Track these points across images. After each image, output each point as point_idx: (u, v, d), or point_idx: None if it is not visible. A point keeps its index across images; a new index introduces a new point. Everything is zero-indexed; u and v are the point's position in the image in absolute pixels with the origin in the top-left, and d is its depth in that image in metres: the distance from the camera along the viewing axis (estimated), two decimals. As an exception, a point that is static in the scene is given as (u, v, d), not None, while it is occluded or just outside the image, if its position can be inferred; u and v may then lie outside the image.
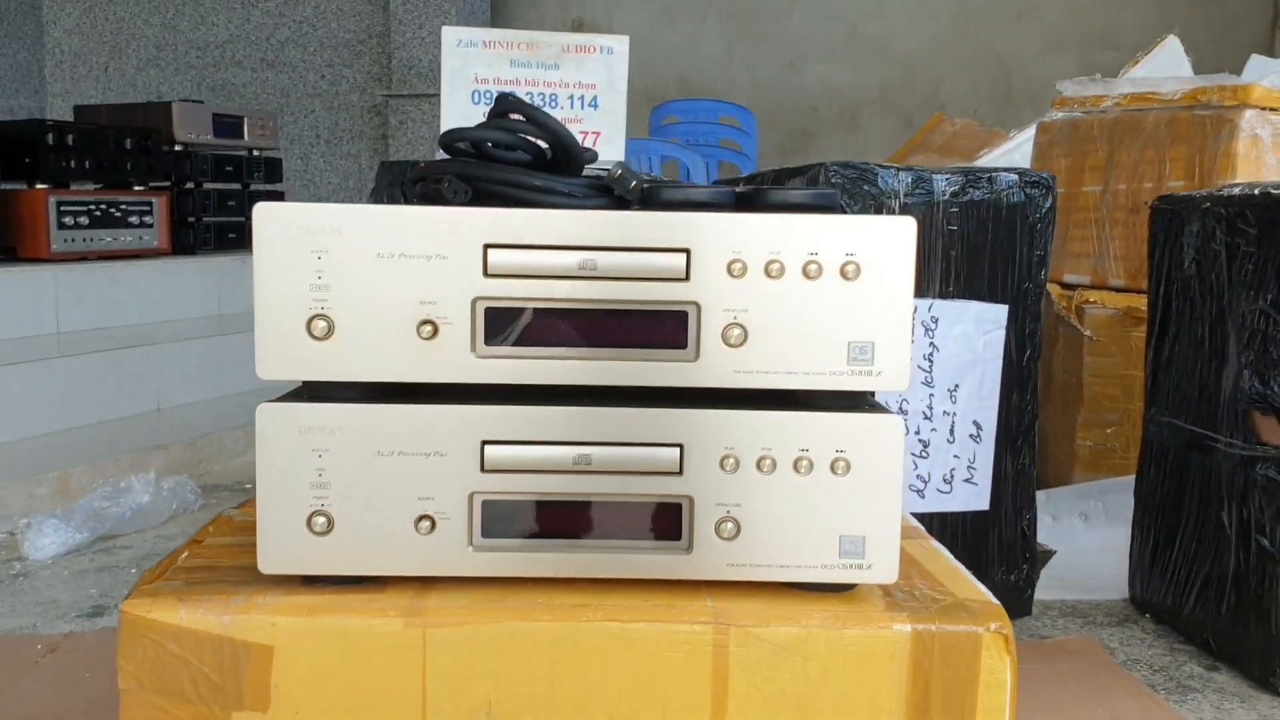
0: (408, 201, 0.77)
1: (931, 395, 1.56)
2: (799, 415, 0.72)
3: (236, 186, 3.69)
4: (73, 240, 3.02)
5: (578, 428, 0.72)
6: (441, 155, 0.81)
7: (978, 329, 1.55)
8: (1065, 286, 2.35)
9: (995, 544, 1.62)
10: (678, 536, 0.73)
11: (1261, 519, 1.44)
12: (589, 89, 1.70)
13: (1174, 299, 1.62)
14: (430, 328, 0.70)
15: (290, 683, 0.71)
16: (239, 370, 3.06)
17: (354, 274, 0.70)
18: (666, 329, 0.71)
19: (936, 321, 1.54)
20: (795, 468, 0.72)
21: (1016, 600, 1.67)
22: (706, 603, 0.73)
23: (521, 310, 0.71)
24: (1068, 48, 4.76)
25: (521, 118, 0.74)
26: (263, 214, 0.69)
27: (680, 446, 0.72)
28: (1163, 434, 1.65)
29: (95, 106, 3.76)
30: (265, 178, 3.81)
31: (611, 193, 0.74)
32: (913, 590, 0.76)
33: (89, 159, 3.11)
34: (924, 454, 1.57)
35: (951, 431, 1.57)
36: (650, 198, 0.74)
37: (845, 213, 0.71)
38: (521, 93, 1.67)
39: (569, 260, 0.70)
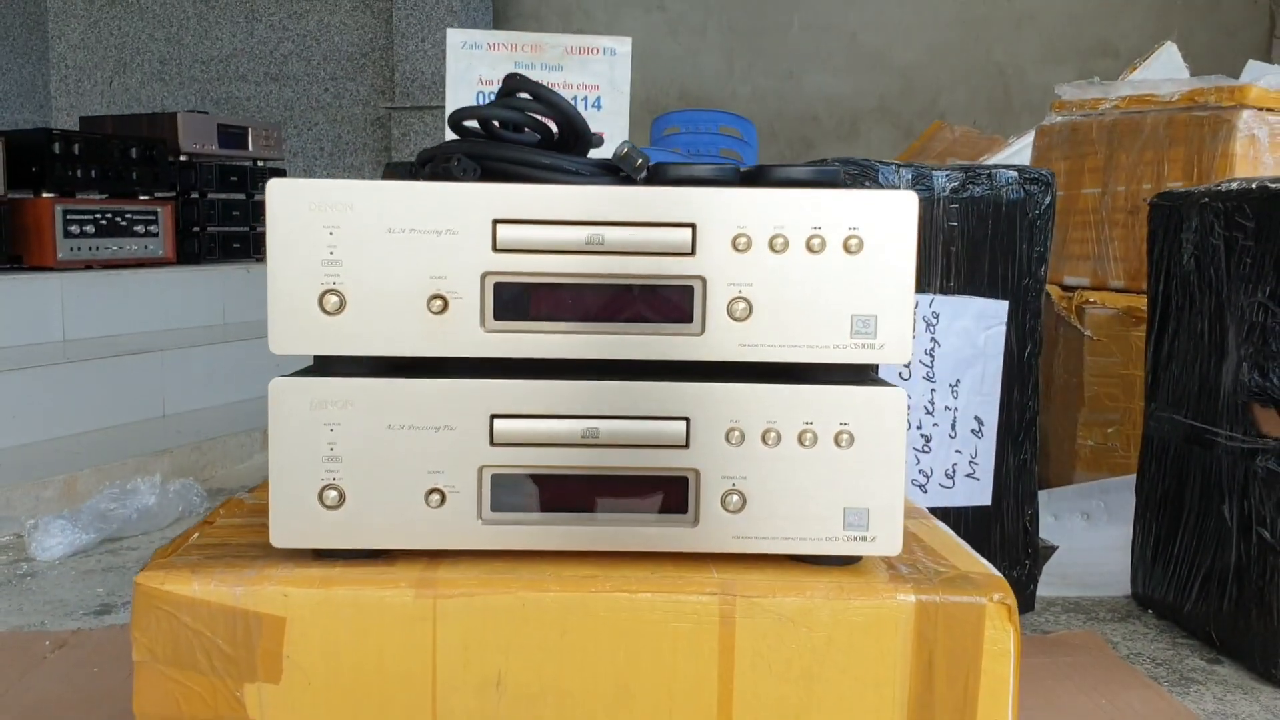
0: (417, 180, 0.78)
1: (933, 390, 1.57)
2: (803, 388, 0.73)
3: (241, 197, 3.71)
4: (78, 249, 3.04)
5: (585, 401, 0.73)
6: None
7: (979, 324, 1.56)
8: (1065, 289, 2.36)
9: (998, 539, 1.63)
10: (684, 509, 0.74)
11: (1262, 511, 1.45)
12: (592, 90, 1.72)
13: (1173, 295, 1.63)
14: (440, 302, 0.71)
15: (302, 654, 0.72)
16: (243, 377, 3.07)
17: (365, 249, 0.71)
18: (672, 303, 0.72)
19: (938, 317, 1.55)
20: (800, 440, 0.73)
21: (1019, 596, 1.67)
22: (713, 574, 0.74)
23: (530, 285, 0.72)
24: (1066, 57, 4.79)
25: (529, 96, 0.75)
26: (276, 190, 0.70)
27: (686, 420, 0.73)
28: (1163, 429, 1.66)
29: (101, 117, 3.78)
30: (269, 188, 3.82)
31: (618, 171, 0.76)
32: (916, 563, 0.77)
33: (95, 168, 3.14)
34: (926, 449, 1.58)
35: (953, 427, 1.58)
36: (656, 175, 0.75)
37: (848, 188, 0.72)
38: (525, 93, 1.68)
39: (577, 235, 0.71)
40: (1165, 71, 2.61)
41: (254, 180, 3.76)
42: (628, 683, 0.72)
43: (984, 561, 0.79)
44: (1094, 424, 2.18)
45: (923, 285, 1.55)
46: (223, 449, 2.66)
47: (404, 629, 0.72)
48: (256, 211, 3.75)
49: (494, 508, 0.74)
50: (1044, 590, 1.76)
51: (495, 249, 0.71)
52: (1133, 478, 1.79)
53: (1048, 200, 1.57)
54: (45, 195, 3.01)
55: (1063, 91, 2.43)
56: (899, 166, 1.53)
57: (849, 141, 5.07)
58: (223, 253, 3.61)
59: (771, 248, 0.72)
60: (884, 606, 0.72)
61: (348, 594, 0.72)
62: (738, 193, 0.72)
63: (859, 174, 1.50)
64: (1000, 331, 1.58)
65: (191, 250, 3.50)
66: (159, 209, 3.30)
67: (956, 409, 1.58)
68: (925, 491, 1.58)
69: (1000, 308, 1.57)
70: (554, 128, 0.78)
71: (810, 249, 0.72)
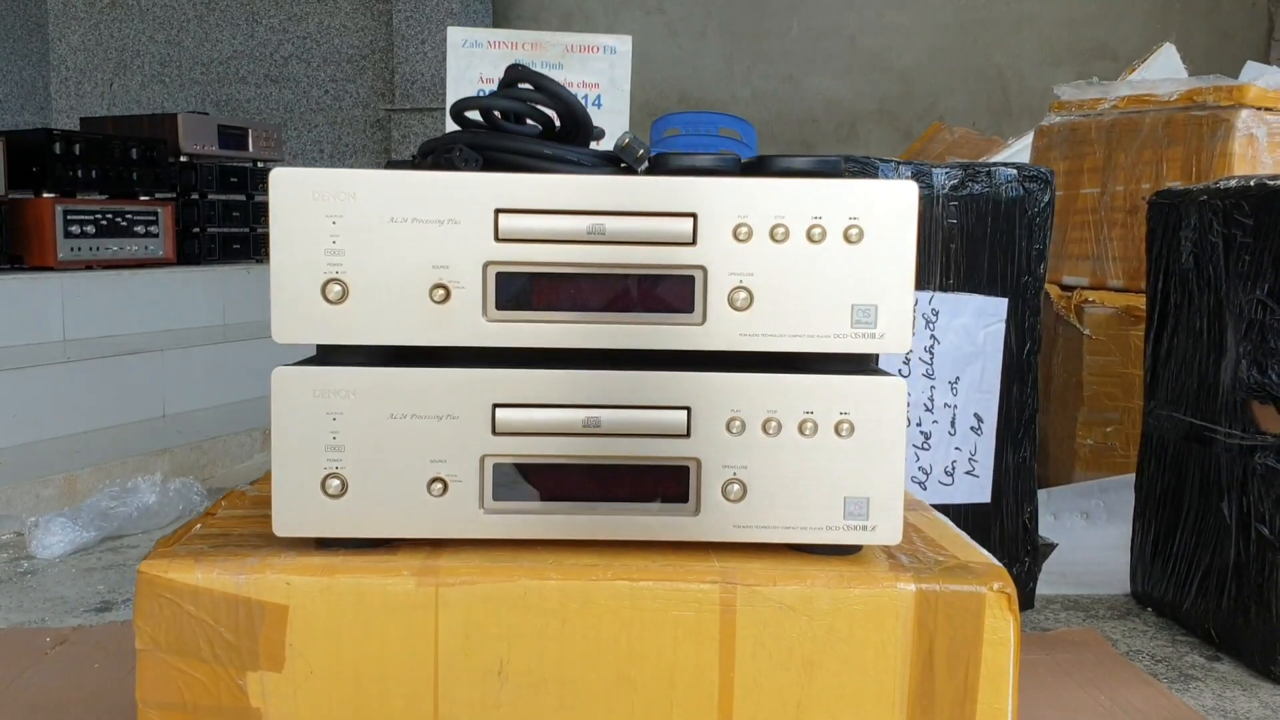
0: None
1: (932, 387, 1.57)
2: (803, 378, 0.73)
3: (241, 198, 3.71)
4: (79, 249, 3.04)
5: (587, 391, 0.73)
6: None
7: (978, 322, 1.57)
8: (1065, 288, 2.37)
9: (997, 536, 1.63)
10: (685, 498, 0.74)
11: (1261, 508, 1.45)
12: (592, 88, 1.72)
13: (1172, 292, 1.63)
14: (442, 292, 0.72)
15: (304, 642, 0.72)
16: (244, 377, 3.07)
17: (368, 238, 0.71)
18: (674, 293, 0.73)
19: (937, 314, 1.55)
20: (800, 430, 0.74)
21: (1019, 593, 1.67)
22: (714, 563, 0.74)
23: (532, 275, 0.72)
24: (1065, 60, 4.80)
25: (531, 87, 0.75)
26: (279, 179, 0.71)
27: (688, 409, 0.73)
28: (1162, 427, 1.66)
29: (102, 118, 3.79)
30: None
31: (619, 162, 0.76)
32: (916, 552, 0.77)
33: (95, 169, 3.14)
34: (925, 446, 1.58)
35: (953, 424, 1.58)
36: (657, 165, 0.75)
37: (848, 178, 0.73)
38: (526, 92, 1.69)
39: (578, 225, 0.72)
40: (1164, 72, 2.62)
41: (254, 181, 3.76)
42: (629, 671, 0.72)
43: (983, 551, 0.79)
44: (1093, 423, 2.18)
45: (922, 282, 1.55)
46: (223, 448, 2.66)
47: (406, 617, 0.72)
48: (256, 212, 3.76)
49: (496, 497, 0.74)
50: (1044, 588, 1.76)
51: (497, 238, 0.72)
52: (1132, 477, 1.79)
53: (1047, 198, 1.58)
54: (46, 195, 3.02)
55: (1062, 92, 2.44)
56: (898, 164, 1.54)
57: (848, 144, 5.08)
58: (223, 253, 3.62)
59: (772, 237, 0.72)
60: (884, 595, 0.72)
61: (350, 582, 0.72)
62: (739, 182, 0.72)
63: (859, 171, 1.50)
64: (999, 329, 1.58)
65: (192, 251, 3.51)
66: (159, 209, 3.31)
67: (956, 406, 1.58)
68: (925, 488, 1.58)
69: (999, 305, 1.58)
70: (556, 118, 0.79)
71: (811, 239, 0.72)
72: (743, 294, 0.72)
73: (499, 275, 0.72)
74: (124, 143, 3.25)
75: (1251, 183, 1.48)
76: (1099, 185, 2.31)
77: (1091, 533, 2.05)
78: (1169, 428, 1.65)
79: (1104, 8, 4.79)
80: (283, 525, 0.74)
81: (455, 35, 1.72)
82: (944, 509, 1.59)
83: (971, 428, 1.59)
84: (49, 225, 2.97)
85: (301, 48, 5.54)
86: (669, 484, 0.74)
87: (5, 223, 2.93)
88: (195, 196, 3.54)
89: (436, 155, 0.76)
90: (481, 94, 1.79)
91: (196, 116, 3.67)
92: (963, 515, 1.61)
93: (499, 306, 0.73)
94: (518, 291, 0.72)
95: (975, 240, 1.57)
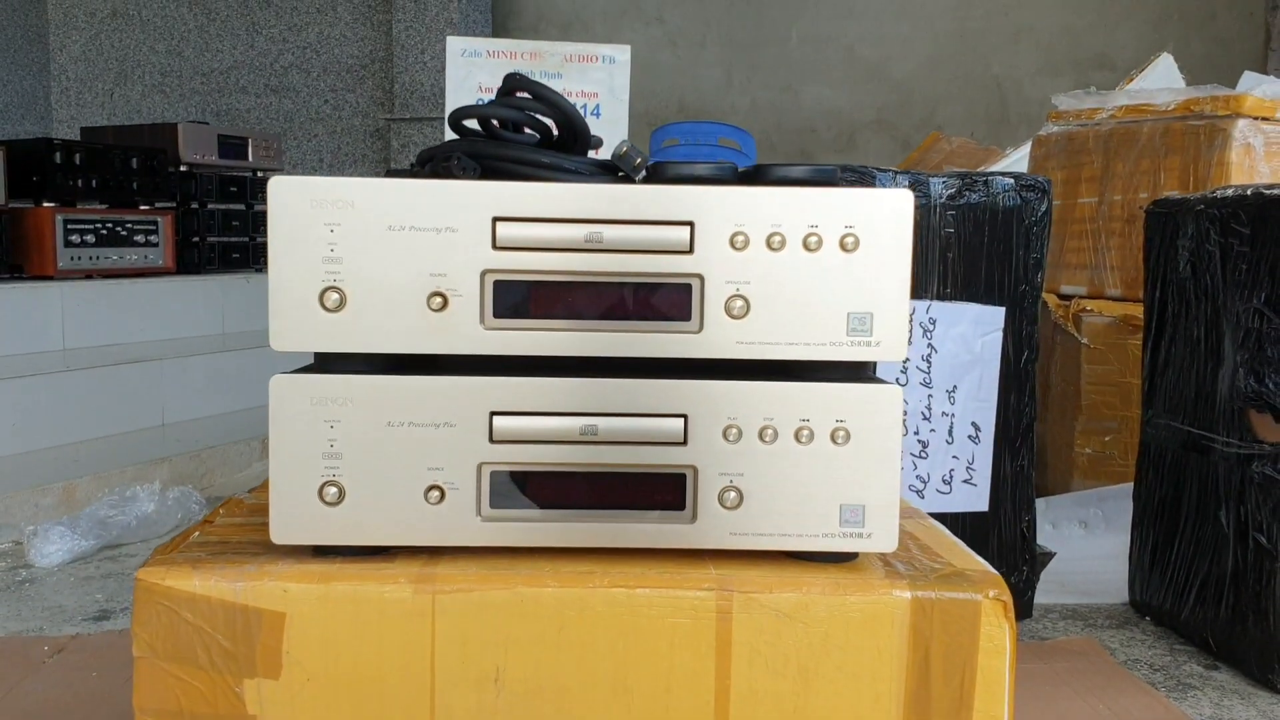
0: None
1: (930, 396, 1.57)
2: (800, 386, 0.74)
3: (241, 207, 3.72)
4: (79, 258, 3.05)
5: (584, 399, 0.74)
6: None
7: (975, 330, 1.57)
8: (1063, 297, 2.37)
9: (995, 545, 1.63)
10: (682, 506, 0.75)
11: (1259, 516, 1.45)
12: (591, 98, 1.73)
13: (1170, 301, 1.64)
14: (440, 300, 0.72)
15: (301, 649, 0.72)
16: (243, 386, 3.07)
17: (366, 246, 0.72)
18: (671, 301, 0.73)
19: (934, 323, 1.56)
20: (796, 438, 0.74)
21: (1017, 602, 1.67)
22: (710, 570, 0.74)
23: (529, 283, 0.73)
24: (1063, 69, 4.81)
25: (529, 95, 0.76)
26: (277, 187, 0.71)
27: (684, 417, 0.74)
28: (1160, 436, 1.67)
29: (102, 128, 3.79)
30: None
31: (617, 170, 0.76)
32: (912, 560, 0.78)
33: (96, 178, 3.15)
34: (923, 454, 1.58)
35: (950, 432, 1.58)
36: (655, 174, 0.76)
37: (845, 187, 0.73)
38: (525, 101, 1.69)
39: (576, 233, 0.72)
40: (1161, 82, 2.63)
41: (254, 191, 3.77)
42: (625, 678, 0.72)
43: (980, 559, 0.79)
44: (1091, 432, 2.18)
45: (920, 291, 1.55)
46: (221, 457, 2.66)
47: (403, 625, 0.72)
48: (256, 222, 3.76)
49: (493, 504, 0.74)
50: (1042, 597, 1.76)
51: (495, 247, 0.72)
52: (1130, 486, 1.79)
53: (1044, 207, 1.58)
54: (46, 205, 3.02)
55: (1059, 101, 2.44)
56: (896, 174, 1.54)
57: (847, 153, 5.09)
58: (222, 262, 3.62)
59: (769, 246, 0.72)
60: (880, 602, 0.72)
61: (347, 590, 0.72)
62: (735, 191, 0.72)
63: (856, 181, 1.51)
64: (997, 337, 1.58)
65: (191, 260, 3.51)
66: (159, 219, 3.31)
67: (954, 415, 1.58)
68: (922, 497, 1.59)
69: (997, 314, 1.58)
70: (553, 127, 0.79)
71: (807, 247, 0.72)
72: (739, 302, 0.73)
73: (497, 283, 0.72)
74: (124, 152, 3.25)
75: (1248, 192, 1.48)
76: (1097, 195, 2.31)
77: (1090, 542, 2.05)
78: (1167, 436, 1.65)
79: (1102, 18, 4.80)
80: (280, 533, 0.74)
81: (454, 45, 1.72)
82: (941, 517, 1.60)
83: (969, 436, 1.59)
84: (49, 234, 2.98)
85: (301, 58, 5.56)
86: (666, 491, 0.74)
87: (5, 232, 2.93)
88: (195, 206, 3.55)
89: (435, 164, 0.76)
90: (480, 103, 1.80)
91: (197, 126, 3.68)
92: (960, 524, 1.62)
93: (496, 314, 0.73)
94: (515, 300, 0.73)
95: (973, 249, 1.57)
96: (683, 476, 0.74)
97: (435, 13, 5.14)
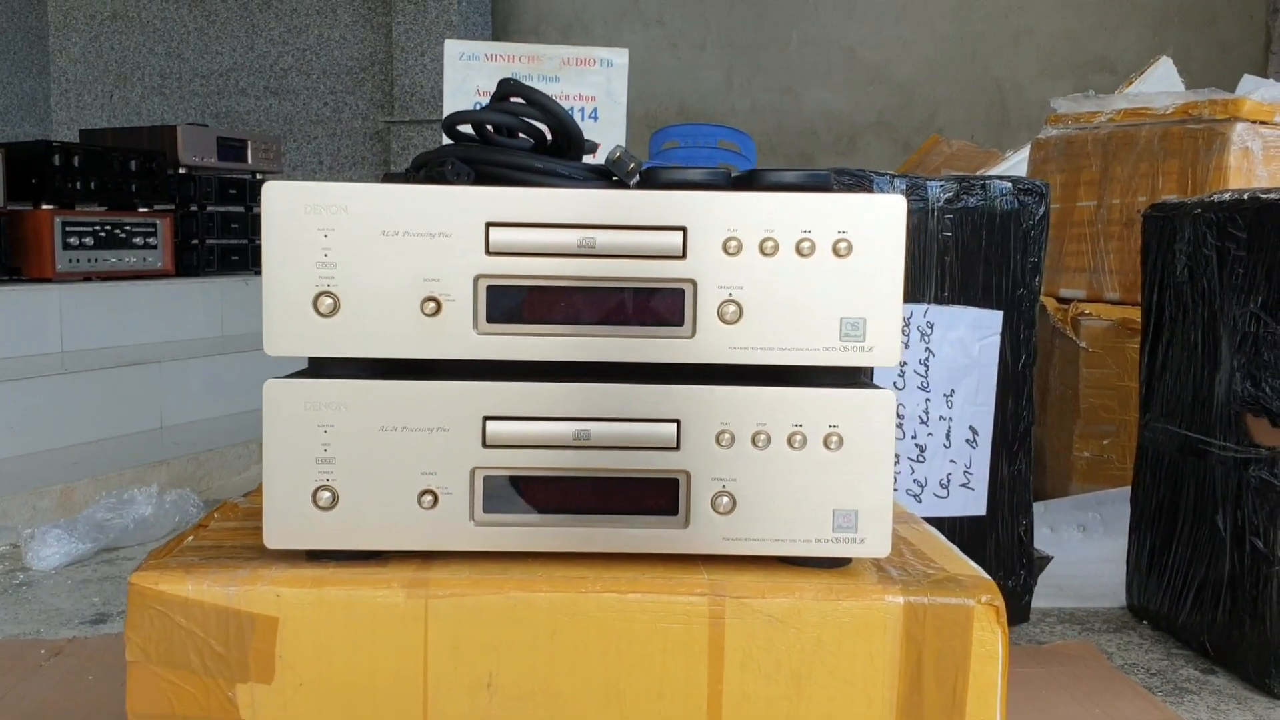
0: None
1: (928, 400, 1.57)
2: (793, 391, 0.74)
3: (240, 209, 3.72)
4: (77, 261, 3.04)
5: (577, 403, 0.74)
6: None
7: (973, 334, 1.57)
8: (1061, 301, 2.37)
9: (992, 549, 1.63)
10: (675, 511, 0.75)
11: (1255, 520, 1.45)
12: (589, 101, 1.73)
13: (1167, 305, 1.64)
14: (433, 305, 0.72)
15: (294, 654, 0.72)
16: (241, 389, 3.07)
17: (359, 251, 0.72)
18: (664, 306, 0.73)
19: (932, 326, 1.56)
20: (789, 443, 0.74)
21: (1014, 606, 1.67)
22: (703, 575, 0.74)
23: (522, 288, 0.73)
24: (1064, 72, 4.81)
25: (523, 101, 0.76)
26: (271, 192, 0.71)
27: (677, 422, 0.74)
28: (1158, 440, 1.67)
29: (101, 130, 3.80)
30: (268, 200, 3.83)
31: (610, 176, 0.76)
32: (905, 565, 0.78)
33: (95, 180, 3.15)
34: (920, 459, 1.58)
35: (948, 436, 1.58)
36: (648, 179, 0.76)
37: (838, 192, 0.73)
38: (523, 104, 1.70)
39: (569, 238, 0.72)
40: (1161, 85, 2.63)
41: (253, 193, 3.77)
42: (618, 683, 0.72)
43: (973, 564, 0.79)
44: (1090, 436, 2.18)
45: (917, 295, 1.55)
46: (220, 460, 2.66)
47: (395, 629, 0.72)
48: (255, 224, 3.76)
49: (486, 509, 0.74)
50: (1040, 601, 1.76)
51: (488, 252, 0.72)
52: (1128, 489, 1.79)
53: (1042, 211, 1.58)
54: (45, 207, 3.02)
55: (1058, 105, 2.44)
56: (893, 177, 1.54)
57: (847, 155, 5.09)
58: (221, 265, 3.62)
59: (761, 251, 0.72)
60: (872, 608, 0.73)
61: (340, 594, 0.72)
62: (728, 196, 0.72)
63: (854, 184, 1.51)
64: (995, 341, 1.58)
65: (190, 262, 3.51)
66: (158, 221, 3.31)
67: (951, 419, 1.58)
68: (920, 501, 1.58)
69: (995, 318, 1.58)
70: (547, 132, 0.79)
71: (800, 252, 0.73)
72: (732, 307, 0.73)
73: (490, 288, 0.73)
74: (123, 155, 3.25)
75: (1245, 196, 1.48)
76: (1095, 198, 2.31)
77: (1088, 545, 2.05)
78: (1164, 440, 1.65)
79: (1102, 21, 4.81)
80: (274, 537, 0.74)
81: (452, 48, 1.73)
82: (939, 521, 1.60)
83: (967, 440, 1.59)
84: (47, 237, 2.98)
85: (301, 60, 5.56)
86: (658, 496, 0.74)
87: (4, 234, 2.93)
88: (194, 208, 3.55)
89: (429, 169, 0.76)
90: (478, 106, 1.80)
91: (196, 129, 3.68)
92: (958, 528, 1.62)
93: (490, 319, 0.73)
94: (508, 304, 0.73)
95: (970, 253, 1.57)
96: (675, 481, 0.74)
97: (435, 15, 5.15)
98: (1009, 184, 1.58)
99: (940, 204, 1.55)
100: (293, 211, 0.71)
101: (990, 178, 1.58)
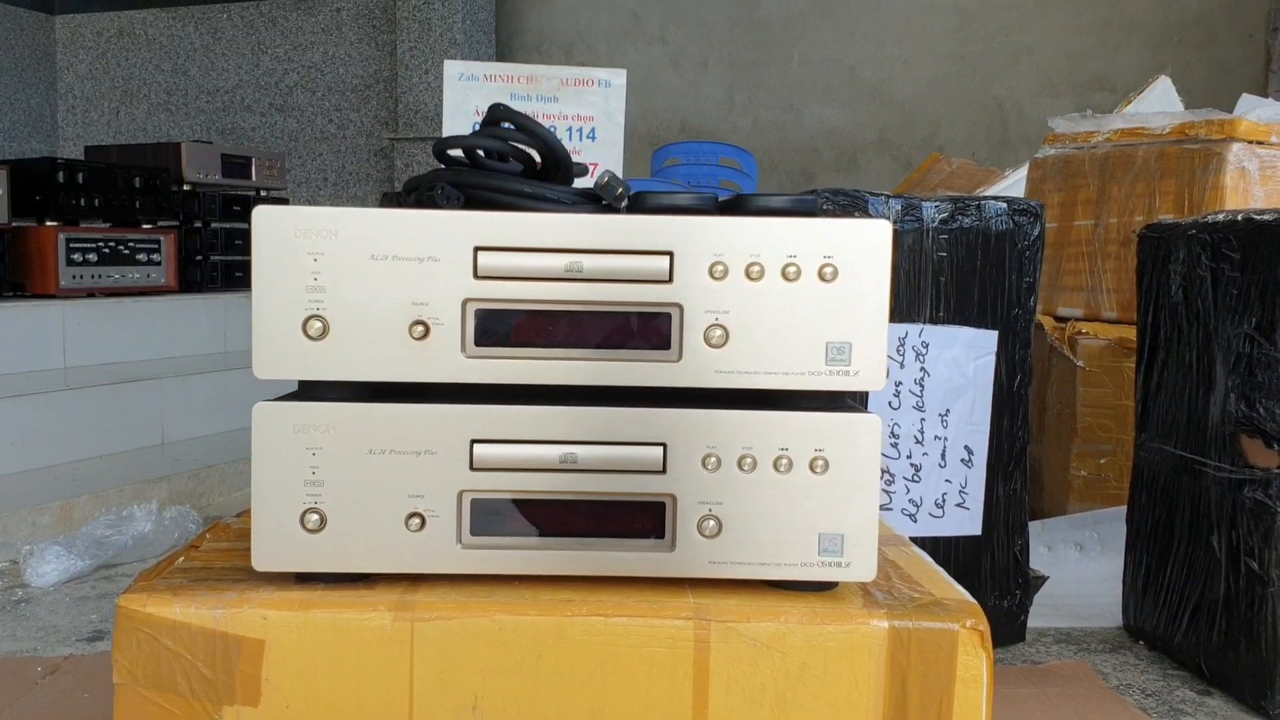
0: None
1: (923, 420, 1.57)
2: (779, 415, 0.74)
3: (244, 226, 3.74)
4: (81, 277, 3.06)
5: (564, 427, 0.74)
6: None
7: (968, 354, 1.57)
8: (1059, 319, 2.37)
9: (988, 569, 1.63)
10: (661, 534, 0.75)
11: (1250, 541, 1.45)
12: (587, 121, 1.74)
13: (1162, 326, 1.64)
14: (422, 328, 0.73)
15: (281, 676, 0.73)
16: (243, 405, 3.07)
17: (349, 275, 0.72)
18: (650, 330, 0.74)
19: (927, 346, 1.56)
20: (775, 466, 0.74)
21: (1010, 626, 1.67)
22: (689, 599, 0.74)
23: (510, 311, 0.73)
24: (1063, 91, 4.83)
25: (512, 126, 0.76)
26: (261, 217, 0.72)
27: (664, 445, 0.74)
28: (1153, 460, 1.67)
29: (106, 146, 3.82)
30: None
31: (599, 200, 0.77)
32: (891, 589, 0.78)
33: (99, 197, 3.16)
34: (916, 478, 1.58)
35: (943, 456, 1.58)
36: (636, 203, 0.76)
37: (824, 217, 0.74)
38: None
39: (556, 263, 0.73)
40: (1159, 105, 2.64)
41: (256, 209, 3.78)
42: (603, 706, 0.73)
43: (959, 588, 0.79)
44: (1087, 454, 2.18)
45: (912, 315, 1.56)
46: (221, 476, 2.67)
47: (381, 652, 0.72)
48: (258, 240, 3.77)
49: (473, 532, 0.75)
50: (1035, 620, 1.75)
51: (476, 276, 0.73)
52: (1125, 508, 1.79)
53: (1036, 231, 1.59)
54: (49, 224, 3.04)
55: (1056, 124, 2.45)
56: (888, 198, 1.55)
57: (848, 173, 5.10)
58: (224, 281, 3.63)
59: (748, 276, 0.73)
60: (858, 632, 0.73)
61: (326, 617, 0.72)
62: (715, 221, 0.73)
63: (848, 204, 1.52)
64: (990, 361, 1.59)
65: (193, 279, 3.53)
66: (162, 238, 3.33)
67: (946, 438, 1.58)
68: (915, 521, 1.59)
69: (990, 338, 1.58)
70: (537, 157, 0.80)
71: (786, 277, 0.73)
72: (719, 331, 0.73)
73: (478, 312, 0.73)
74: (127, 171, 3.27)
75: (1239, 217, 1.49)
76: (1093, 217, 2.32)
77: (1085, 564, 2.05)
78: (1159, 460, 1.65)
79: (1102, 40, 4.82)
80: (262, 559, 0.74)
81: (452, 69, 1.74)
82: (934, 541, 1.60)
83: (962, 460, 1.59)
84: (51, 253, 2.99)
85: (306, 77, 5.59)
86: (645, 520, 0.75)
87: (8, 251, 2.95)
88: (198, 225, 3.57)
89: (419, 193, 0.77)
90: (477, 126, 1.81)
91: (200, 145, 3.70)
92: (954, 548, 1.62)
93: (478, 343, 0.73)
94: (496, 328, 0.73)
95: (965, 273, 1.57)
96: (662, 505, 0.75)
97: (439, 33, 5.17)
98: (1004, 204, 1.58)
99: (935, 224, 1.56)
100: (283, 236, 0.72)
101: (985, 198, 1.59)
